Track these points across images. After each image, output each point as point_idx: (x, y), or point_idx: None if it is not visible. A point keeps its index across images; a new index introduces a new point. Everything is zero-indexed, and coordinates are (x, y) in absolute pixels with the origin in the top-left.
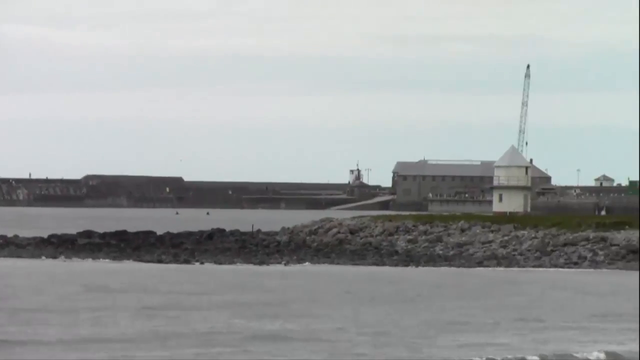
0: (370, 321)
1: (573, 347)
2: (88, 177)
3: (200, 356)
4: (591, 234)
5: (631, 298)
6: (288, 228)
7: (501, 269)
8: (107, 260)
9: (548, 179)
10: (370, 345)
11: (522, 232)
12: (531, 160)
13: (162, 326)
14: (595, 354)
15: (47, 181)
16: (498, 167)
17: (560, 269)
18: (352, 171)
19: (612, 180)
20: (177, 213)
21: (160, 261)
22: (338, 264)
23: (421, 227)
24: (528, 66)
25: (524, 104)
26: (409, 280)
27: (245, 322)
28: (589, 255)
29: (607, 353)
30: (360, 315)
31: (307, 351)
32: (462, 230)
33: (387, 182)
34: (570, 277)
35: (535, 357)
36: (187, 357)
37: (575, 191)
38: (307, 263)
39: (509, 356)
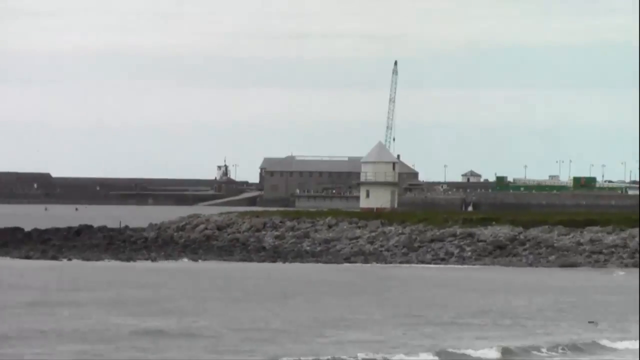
0: (251, 318)
1: (461, 343)
2: None
3: (81, 355)
4: (458, 230)
5: (504, 293)
6: (156, 224)
7: (368, 265)
8: None
9: (415, 174)
10: (254, 342)
11: (389, 228)
12: (398, 156)
13: (37, 323)
14: (490, 350)
15: None
16: (365, 163)
17: (428, 265)
18: (219, 167)
19: (479, 176)
20: (46, 209)
21: (28, 257)
22: (205, 260)
23: (288, 223)
24: (396, 63)
25: (392, 100)
26: (280, 277)
27: (122, 319)
28: (456, 251)
29: (503, 350)
30: (239, 312)
31: (192, 348)
32: (330, 227)
33: (254, 178)
34: (443, 273)
35: (434, 357)
36: (68, 354)
37: (442, 187)
38: (174, 259)
39: (404, 355)
